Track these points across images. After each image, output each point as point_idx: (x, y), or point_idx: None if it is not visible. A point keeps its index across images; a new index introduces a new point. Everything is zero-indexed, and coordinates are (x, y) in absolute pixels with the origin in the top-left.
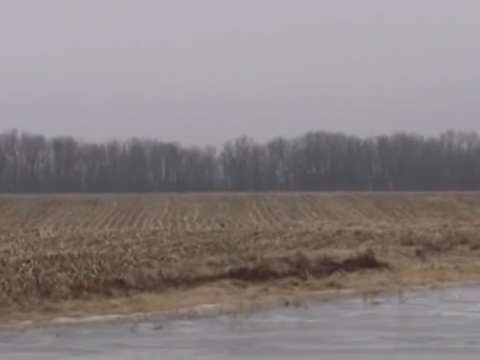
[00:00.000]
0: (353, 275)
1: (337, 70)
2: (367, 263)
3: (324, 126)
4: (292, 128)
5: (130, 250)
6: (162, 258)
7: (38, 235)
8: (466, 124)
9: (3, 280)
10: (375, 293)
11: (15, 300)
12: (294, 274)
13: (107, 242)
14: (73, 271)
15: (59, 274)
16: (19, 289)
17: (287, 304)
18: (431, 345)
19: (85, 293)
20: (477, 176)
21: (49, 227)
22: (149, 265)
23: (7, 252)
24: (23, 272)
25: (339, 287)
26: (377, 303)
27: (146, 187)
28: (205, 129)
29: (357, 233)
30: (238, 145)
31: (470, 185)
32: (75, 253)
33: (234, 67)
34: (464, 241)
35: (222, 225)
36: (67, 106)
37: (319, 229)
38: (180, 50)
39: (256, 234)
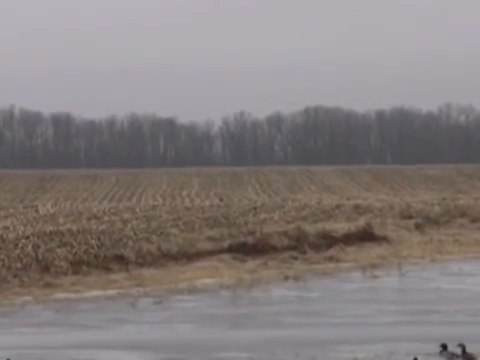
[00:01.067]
0: (352, 249)
1: (335, 44)
2: (366, 237)
3: (322, 100)
4: (290, 102)
5: (129, 225)
6: (161, 233)
7: (37, 211)
8: (464, 97)
9: (2, 256)
10: (374, 266)
11: (15, 276)
12: (293, 248)
13: (106, 217)
14: (72, 247)
15: (58, 250)
16: (19, 265)
17: (287, 278)
18: (431, 318)
19: (85, 268)
20: (476, 149)
21: (48, 203)
22: (148, 240)
23: (6, 228)
24: (22, 248)
25: (338, 261)
26: (376, 276)
27: (145, 162)
28: (203, 104)
29: (356, 207)
30: (236, 120)
31: (469, 158)
32: (74, 229)
33: (232, 42)
34: (463, 214)
35: (221, 199)
36: (65, 82)
37: (318, 203)
38: (178, 26)
39: (255, 208)
